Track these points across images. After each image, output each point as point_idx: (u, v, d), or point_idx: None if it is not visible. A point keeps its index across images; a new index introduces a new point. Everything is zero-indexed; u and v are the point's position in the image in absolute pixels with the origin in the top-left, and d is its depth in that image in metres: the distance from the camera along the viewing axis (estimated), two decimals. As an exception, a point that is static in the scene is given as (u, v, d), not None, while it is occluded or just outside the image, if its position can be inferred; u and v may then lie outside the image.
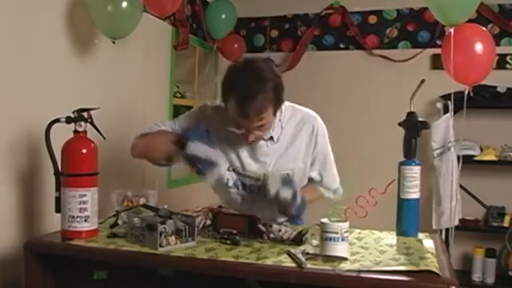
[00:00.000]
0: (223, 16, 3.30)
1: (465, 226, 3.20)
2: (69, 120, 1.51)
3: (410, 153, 1.55)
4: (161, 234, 1.33)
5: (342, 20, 3.63)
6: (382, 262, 1.23)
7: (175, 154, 1.57)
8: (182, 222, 1.38)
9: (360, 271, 1.16)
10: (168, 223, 1.36)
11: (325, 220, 1.26)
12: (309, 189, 1.79)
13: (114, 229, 1.53)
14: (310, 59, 3.65)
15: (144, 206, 1.56)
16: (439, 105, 3.21)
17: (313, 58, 3.66)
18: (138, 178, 2.60)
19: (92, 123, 1.54)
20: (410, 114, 1.58)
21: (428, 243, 1.43)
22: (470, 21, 2.30)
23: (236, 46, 3.50)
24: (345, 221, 1.26)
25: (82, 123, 1.50)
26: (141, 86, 2.64)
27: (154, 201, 1.66)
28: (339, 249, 1.24)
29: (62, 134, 1.51)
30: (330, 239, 1.24)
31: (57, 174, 1.54)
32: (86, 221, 1.45)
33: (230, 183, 1.75)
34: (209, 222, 1.53)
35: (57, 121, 1.54)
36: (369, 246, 1.39)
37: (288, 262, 1.24)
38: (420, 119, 1.57)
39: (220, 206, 1.80)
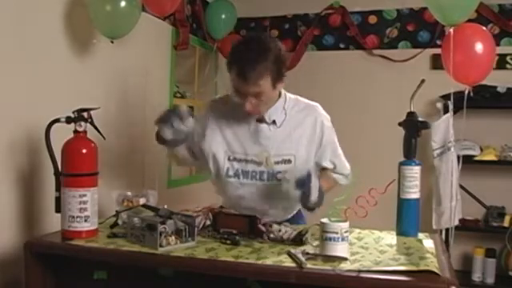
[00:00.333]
0: (223, 16, 3.30)
1: (465, 226, 3.20)
2: (69, 120, 1.52)
3: (410, 153, 1.55)
4: (161, 234, 1.33)
5: (341, 20, 3.63)
6: (381, 261, 1.23)
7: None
8: (182, 222, 1.38)
9: (360, 271, 1.16)
10: (168, 223, 1.36)
11: (325, 220, 1.26)
12: (324, 178, 1.78)
13: (113, 229, 1.53)
14: (310, 59, 3.65)
15: (144, 206, 1.57)
16: (439, 105, 3.21)
17: (313, 57, 3.66)
18: (138, 178, 2.61)
19: (92, 123, 1.55)
20: (410, 114, 1.58)
21: (428, 243, 1.43)
22: (469, 21, 2.31)
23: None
24: (345, 221, 1.26)
25: (82, 123, 1.50)
26: (141, 86, 2.64)
27: (154, 201, 1.66)
28: (339, 249, 1.24)
29: (62, 134, 1.51)
30: (330, 239, 1.24)
31: (57, 174, 1.54)
32: (86, 221, 1.45)
33: (230, 172, 1.75)
34: (209, 222, 1.53)
35: (57, 121, 1.54)
36: (369, 246, 1.39)
37: (288, 262, 1.24)
38: (420, 119, 1.57)
39: (221, 207, 1.81)
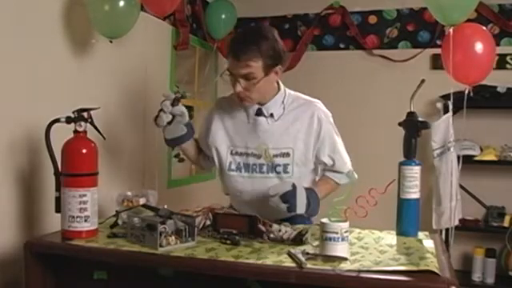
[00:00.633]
0: (223, 16, 3.30)
1: (465, 226, 3.20)
2: (69, 120, 1.52)
3: (410, 153, 1.55)
4: (161, 234, 1.33)
5: (341, 20, 3.63)
6: (382, 262, 1.23)
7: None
8: (182, 222, 1.38)
9: (360, 271, 1.16)
10: (168, 223, 1.36)
11: (325, 220, 1.26)
12: (321, 184, 1.82)
13: (114, 229, 1.53)
14: (310, 59, 3.65)
15: (144, 206, 1.57)
16: (439, 105, 3.21)
17: (313, 57, 3.66)
18: (138, 178, 2.60)
19: (92, 123, 1.55)
20: (410, 114, 1.58)
21: (428, 243, 1.43)
22: (469, 21, 2.30)
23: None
24: (345, 221, 1.26)
25: (82, 123, 1.50)
26: (141, 86, 2.64)
27: (154, 201, 1.66)
28: (339, 249, 1.24)
29: (62, 134, 1.51)
30: (330, 239, 1.24)
31: (57, 173, 1.54)
32: (86, 221, 1.45)
33: (233, 166, 1.79)
34: (209, 222, 1.53)
35: (57, 121, 1.54)
36: (369, 246, 1.39)
37: (288, 262, 1.24)
38: (420, 119, 1.57)
39: (230, 206, 1.85)
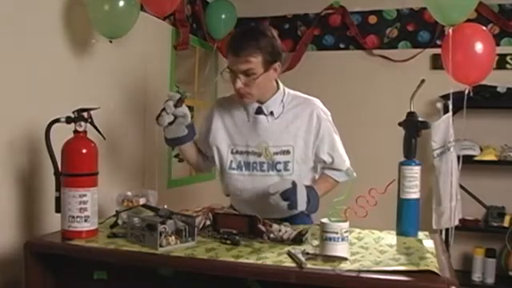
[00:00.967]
0: (223, 16, 3.30)
1: (465, 226, 3.20)
2: (69, 120, 1.52)
3: (410, 153, 1.55)
4: (161, 234, 1.33)
5: (342, 20, 3.63)
6: (382, 261, 1.23)
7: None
8: (182, 222, 1.38)
9: (360, 271, 1.16)
10: (168, 223, 1.36)
11: (325, 220, 1.26)
12: (320, 181, 1.84)
13: (114, 229, 1.53)
14: (310, 59, 3.65)
15: (144, 206, 1.56)
16: (439, 105, 3.21)
17: (313, 57, 3.66)
18: (138, 178, 2.61)
19: (92, 123, 1.55)
20: (410, 114, 1.58)
21: (428, 243, 1.43)
22: (469, 21, 2.30)
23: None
24: (345, 221, 1.26)
25: (82, 123, 1.50)
26: (141, 86, 2.64)
27: (154, 201, 1.66)
28: (339, 249, 1.24)
29: (62, 134, 1.51)
30: (330, 239, 1.24)
31: (57, 173, 1.54)
32: (86, 221, 1.45)
33: (234, 165, 1.80)
34: (209, 222, 1.53)
35: (57, 121, 1.54)
36: (369, 246, 1.39)
37: (288, 262, 1.24)
38: (420, 119, 1.57)
39: (231, 206, 1.85)
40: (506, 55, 3.24)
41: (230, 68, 1.70)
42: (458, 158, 2.75)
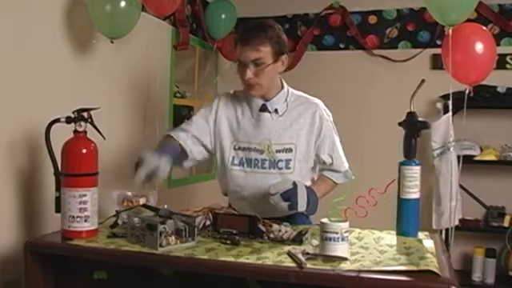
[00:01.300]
0: (223, 16, 3.30)
1: (465, 226, 3.20)
2: (69, 120, 1.51)
3: (410, 153, 1.55)
4: (161, 234, 1.33)
5: (342, 20, 3.63)
6: (381, 261, 1.23)
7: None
8: (182, 222, 1.38)
9: (360, 271, 1.16)
10: (168, 223, 1.36)
11: (325, 220, 1.26)
12: (320, 183, 1.84)
13: (114, 229, 1.53)
14: (310, 59, 3.65)
15: (144, 206, 1.56)
16: (439, 105, 3.21)
17: (313, 57, 3.66)
18: (138, 178, 2.60)
19: (92, 123, 1.54)
20: (410, 114, 1.58)
21: (428, 243, 1.43)
22: (469, 21, 2.30)
23: (235, 46, 3.50)
24: (345, 221, 1.26)
25: (82, 123, 1.50)
26: (141, 86, 2.64)
27: (154, 201, 1.66)
28: (339, 249, 1.24)
29: (62, 134, 1.51)
30: (330, 239, 1.23)
31: (57, 173, 1.54)
32: (86, 221, 1.45)
33: (236, 161, 1.80)
34: (209, 222, 1.53)
35: (57, 121, 1.54)
36: (369, 246, 1.39)
37: (288, 262, 1.24)
38: (420, 119, 1.57)
39: (229, 205, 1.85)
40: (505, 55, 3.25)
41: (239, 59, 1.72)
42: (458, 158, 2.75)
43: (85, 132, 1.51)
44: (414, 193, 1.52)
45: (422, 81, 1.61)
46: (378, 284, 1.14)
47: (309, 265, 1.21)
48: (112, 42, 2.06)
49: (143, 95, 2.65)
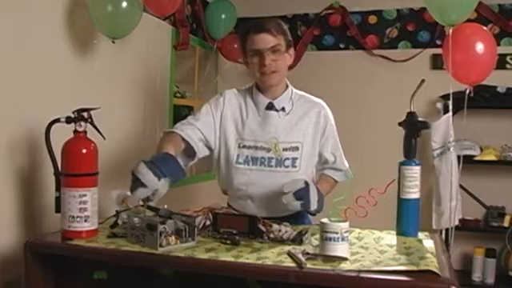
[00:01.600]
0: (223, 16, 3.30)
1: (465, 226, 3.20)
2: (69, 120, 1.52)
3: (410, 153, 1.55)
4: (161, 234, 1.33)
5: (342, 20, 3.63)
6: (381, 261, 1.23)
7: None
8: (182, 222, 1.38)
9: (360, 271, 1.16)
10: (168, 223, 1.36)
11: (325, 220, 1.26)
12: (322, 182, 1.87)
13: (114, 229, 1.52)
14: (310, 59, 3.64)
15: (144, 206, 1.56)
16: (439, 105, 3.21)
17: (313, 57, 3.66)
18: (138, 178, 2.60)
19: (92, 123, 1.54)
20: (410, 114, 1.58)
21: (428, 243, 1.43)
22: (469, 21, 2.30)
23: (236, 45, 3.49)
24: (345, 221, 1.26)
25: (82, 123, 1.50)
26: (141, 86, 2.64)
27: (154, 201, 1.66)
28: (339, 249, 1.24)
29: (62, 134, 1.51)
30: (330, 239, 1.23)
31: (57, 173, 1.54)
32: (86, 221, 1.45)
33: (240, 159, 1.79)
34: (209, 222, 1.53)
35: (57, 121, 1.54)
36: (369, 246, 1.39)
37: (288, 262, 1.24)
38: (420, 119, 1.57)
39: (228, 205, 1.85)
40: (506, 55, 3.25)
41: (253, 49, 1.72)
42: (458, 158, 2.75)
43: (85, 132, 1.51)
44: (414, 193, 1.52)
45: (422, 81, 1.61)
46: (378, 284, 1.14)
47: (309, 265, 1.21)
48: (113, 42, 2.06)
49: (143, 95, 2.65)
